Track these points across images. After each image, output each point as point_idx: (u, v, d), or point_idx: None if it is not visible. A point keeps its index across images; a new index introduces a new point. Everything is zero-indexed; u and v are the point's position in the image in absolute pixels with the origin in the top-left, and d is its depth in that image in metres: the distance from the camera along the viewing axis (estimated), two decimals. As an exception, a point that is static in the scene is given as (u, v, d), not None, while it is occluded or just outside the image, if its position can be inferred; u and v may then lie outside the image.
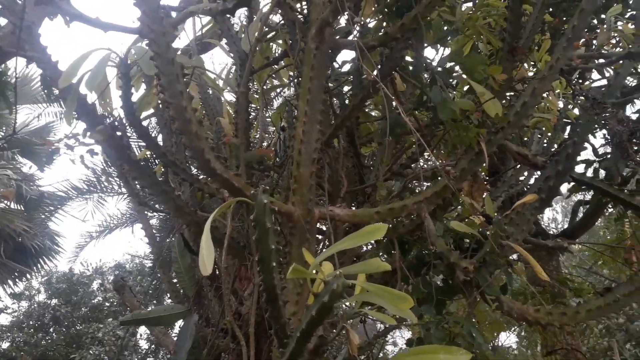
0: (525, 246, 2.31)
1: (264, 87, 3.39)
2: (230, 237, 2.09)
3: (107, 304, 11.74)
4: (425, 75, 1.96)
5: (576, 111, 3.31)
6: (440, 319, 1.90)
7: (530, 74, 3.23)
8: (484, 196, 2.00)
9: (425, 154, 2.70)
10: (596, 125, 2.91)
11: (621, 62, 2.03)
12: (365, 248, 2.81)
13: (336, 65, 3.23)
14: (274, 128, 3.98)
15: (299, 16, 2.10)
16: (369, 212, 1.89)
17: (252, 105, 3.78)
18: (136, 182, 2.24)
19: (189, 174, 1.96)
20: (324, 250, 2.19)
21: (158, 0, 1.56)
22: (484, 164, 1.84)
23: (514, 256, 2.12)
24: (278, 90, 3.82)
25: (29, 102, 10.46)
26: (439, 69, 2.02)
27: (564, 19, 3.40)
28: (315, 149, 1.94)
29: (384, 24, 2.67)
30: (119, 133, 1.98)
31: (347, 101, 2.78)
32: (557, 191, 1.92)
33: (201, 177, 2.10)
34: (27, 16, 1.73)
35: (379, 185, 2.13)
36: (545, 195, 1.89)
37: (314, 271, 1.30)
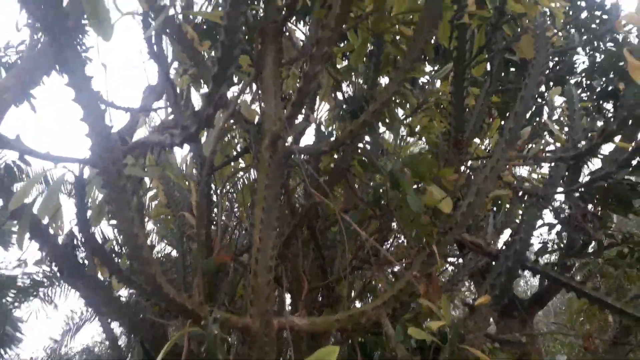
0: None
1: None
2: (190, 351, 2.04)
3: (75, 391, 10.97)
4: (379, 177, 2.03)
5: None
6: None
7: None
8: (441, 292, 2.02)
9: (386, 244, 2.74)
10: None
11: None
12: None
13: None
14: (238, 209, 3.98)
15: (254, 124, 2.18)
16: (328, 321, 1.88)
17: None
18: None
19: (144, 290, 1.93)
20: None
21: (109, 131, 1.60)
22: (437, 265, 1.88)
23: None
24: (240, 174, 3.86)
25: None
26: (402, 170, 2.09)
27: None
28: (272, 256, 1.95)
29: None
30: (74, 251, 1.97)
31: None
32: (510, 287, 1.96)
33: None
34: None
35: (338, 289, 2.14)
36: (499, 291, 1.93)
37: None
